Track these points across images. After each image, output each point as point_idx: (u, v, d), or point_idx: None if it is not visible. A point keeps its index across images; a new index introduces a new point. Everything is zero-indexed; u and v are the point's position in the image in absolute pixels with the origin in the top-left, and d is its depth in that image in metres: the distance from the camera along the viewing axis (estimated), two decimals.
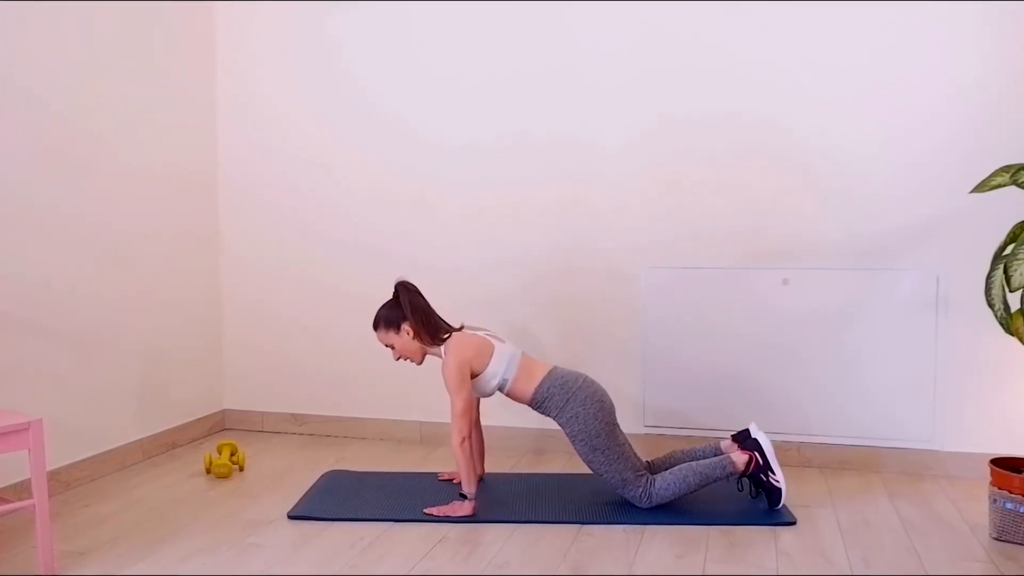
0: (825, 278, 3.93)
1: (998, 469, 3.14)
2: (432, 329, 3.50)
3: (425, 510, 3.41)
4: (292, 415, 4.70)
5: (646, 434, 4.17)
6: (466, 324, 3.66)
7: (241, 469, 4.02)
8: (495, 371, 3.45)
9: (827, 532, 3.23)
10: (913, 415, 3.87)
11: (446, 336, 3.49)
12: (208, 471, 3.94)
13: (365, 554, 3.06)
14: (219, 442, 4.09)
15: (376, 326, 3.56)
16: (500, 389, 3.50)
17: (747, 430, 3.56)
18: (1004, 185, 3.15)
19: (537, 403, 3.47)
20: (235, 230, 4.73)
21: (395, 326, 3.51)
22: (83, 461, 3.85)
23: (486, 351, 3.46)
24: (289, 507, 3.51)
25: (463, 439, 3.35)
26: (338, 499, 3.58)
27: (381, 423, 4.56)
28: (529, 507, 3.48)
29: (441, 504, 3.45)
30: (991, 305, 3.13)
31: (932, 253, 3.81)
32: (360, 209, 4.53)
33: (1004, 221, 3.46)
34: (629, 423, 4.15)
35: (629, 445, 3.48)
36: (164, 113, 4.33)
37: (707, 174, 4.05)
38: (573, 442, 3.42)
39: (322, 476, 3.89)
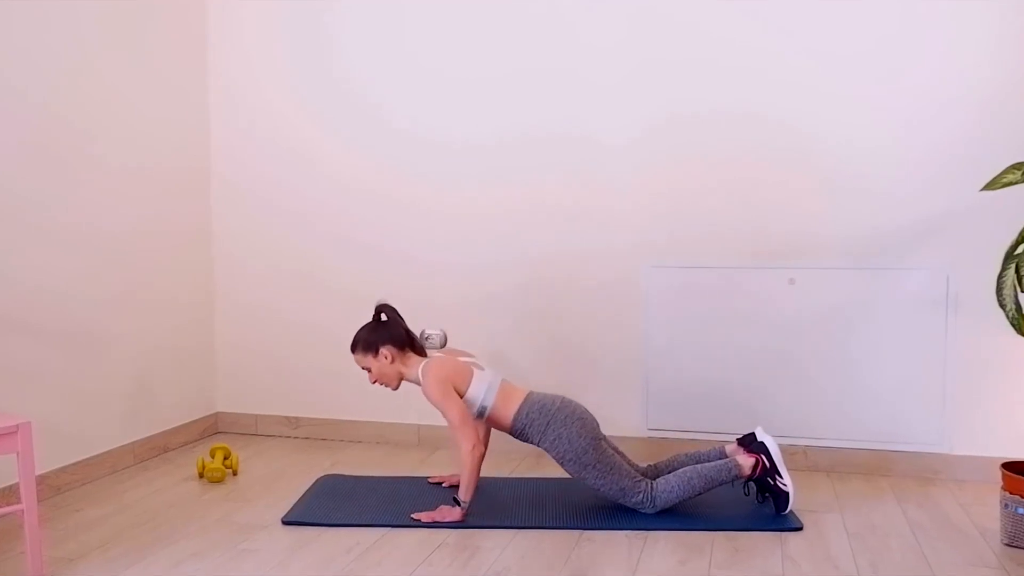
0: (832, 278, 3.88)
1: (1010, 473, 3.09)
2: (411, 352, 3.50)
3: (412, 515, 3.36)
4: (286, 418, 4.64)
5: (649, 438, 4.12)
6: (452, 348, 3.64)
7: (235, 473, 3.97)
8: (475, 396, 3.41)
9: (834, 537, 3.19)
10: (922, 418, 3.82)
11: (423, 359, 3.48)
12: (201, 475, 3.89)
13: (361, 559, 3.01)
14: (212, 446, 4.06)
15: (354, 348, 3.52)
16: (480, 416, 3.45)
17: (753, 433, 3.51)
18: (1016, 183, 3.11)
19: (517, 431, 3.44)
20: (228, 229, 4.67)
21: (374, 349, 3.47)
22: (73, 465, 3.80)
23: (465, 375, 3.42)
24: (283, 512, 3.46)
25: (473, 445, 3.30)
26: (333, 504, 3.52)
27: (377, 426, 4.50)
28: (529, 512, 3.43)
29: (429, 510, 3.40)
30: (1002, 305, 3.08)
31: (941, 252, 3.76)
32: (356, 208, 4.47)
33: (1015, 219, 3.41)
34: (631, 427, 4.12)
35: (620, 454, 3.47)
36: (155, 109, 4.28)
37: (711, 171, 4.00)
38: (562, 464, 3.38)
39: (317, 480, 3.84)
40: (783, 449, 3.62)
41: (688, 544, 3.13)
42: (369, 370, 3.50)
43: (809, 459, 3.95)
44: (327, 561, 3.00)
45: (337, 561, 3.00)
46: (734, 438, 3.60)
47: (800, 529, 3.24)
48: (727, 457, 3.49)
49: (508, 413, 3.41)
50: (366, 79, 4.42)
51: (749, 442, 3.48)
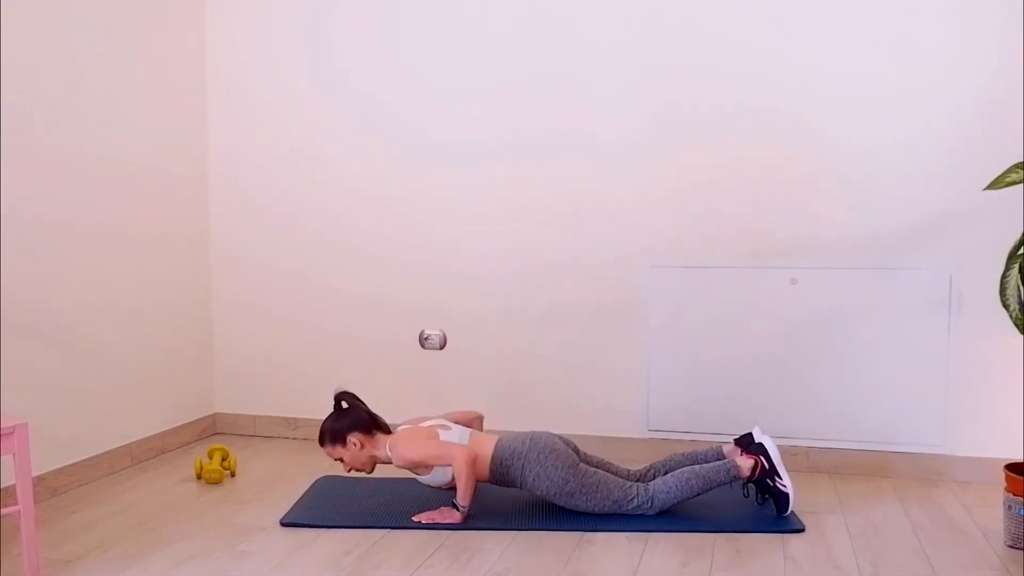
0: (835, 277, 3.86)
1: (1013, 475, 3.07)
2: (378, 433, 3.51)
3: (413, 517, 3.35)
4: (285, 419, 4.62)
5: (650, 438, 4.10)
6: (412, 418, 3.65)
7: (233, 474, 3.95)
8: None
9: (836, 538, 3.17)
10: (925, 418, 3.80)
11: (389, 437, 3.49)
12: (199, 476, 3.87)
13: (360, 561, 2.99)
14: (210, 447, 4.03)
15: (322, 442, 3.51)
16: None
17: (750, 434, 3.49)
18: (1019, 182, 3.10)
19: (497, 479, 3.44)
20: (226, 229, 4.65)
21: (342, 439, 3.47)
22: (70, 466, 3.77)
23: (432, 439, 3.42)
24: (282, 513, 3.44)
25: (464, 454, 3.32)
26: (332, 505, 3.51)
27: None
28: (530, 513, 3.41)
29: (430, 510, 3.39)
30: (1006, 305, 3.07)
31: (945, 251, 3.74)
32: (355, 208, 4.45)
33: (1019, 219, 3.41)
34: (632, 427, 4.10)
35: (603, 466, 3.48)
36: (153, 108, 4.25)
37: (712, 171, 3.98)
38: (549, 500, 3.38)
39: (316, 481, 3.82)
40: (785, 450, 3.61)
41: (689, 546, 3.11)
42: (342, 460, 3.50)
43: (811, 460, 3.93)
44: (326, 563, 2.98)
45: (336, 562, 2.98)
46: (731, 439, 3.58)
47: (802, 530, 3.23)
48: (725, 458, 3.47)
49: (483, 464, 3.41)
50: (366, 79, 4.40)
51: (747, 443, 3.46)
